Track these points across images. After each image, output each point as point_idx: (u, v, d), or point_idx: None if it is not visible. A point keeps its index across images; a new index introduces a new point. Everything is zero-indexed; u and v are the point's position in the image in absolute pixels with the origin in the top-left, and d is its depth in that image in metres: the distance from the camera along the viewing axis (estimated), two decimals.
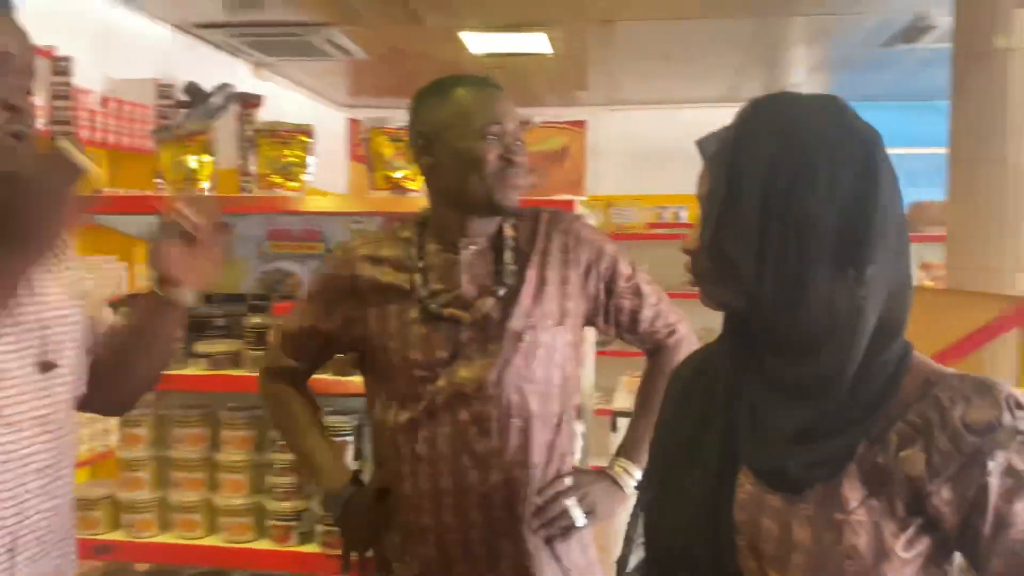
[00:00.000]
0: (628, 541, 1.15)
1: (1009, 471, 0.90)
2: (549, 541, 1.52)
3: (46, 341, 1.24)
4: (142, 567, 2.13)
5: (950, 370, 0.97)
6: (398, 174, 1.89)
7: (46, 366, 1.24)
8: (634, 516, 1.16)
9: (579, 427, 1.95)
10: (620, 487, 1.58)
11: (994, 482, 0.90)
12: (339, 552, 1.90)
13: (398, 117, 1.76)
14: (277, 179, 1.95)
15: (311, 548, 1.98)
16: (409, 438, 1.49)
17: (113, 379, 1.38)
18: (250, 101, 6.31)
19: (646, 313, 1.60)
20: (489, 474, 1.48)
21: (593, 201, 5.43)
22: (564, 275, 1.55)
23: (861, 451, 0.93)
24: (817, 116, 0.95)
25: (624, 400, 2.45)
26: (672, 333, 1.63)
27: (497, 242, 1.55)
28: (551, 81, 7.84)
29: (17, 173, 1.05)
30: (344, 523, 1.58)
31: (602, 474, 1.60)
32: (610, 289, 1.58)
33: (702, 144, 1.01)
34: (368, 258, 1.56)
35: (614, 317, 1.60)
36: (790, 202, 0.91)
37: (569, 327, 1.56)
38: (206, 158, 2.00)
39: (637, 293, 1.60)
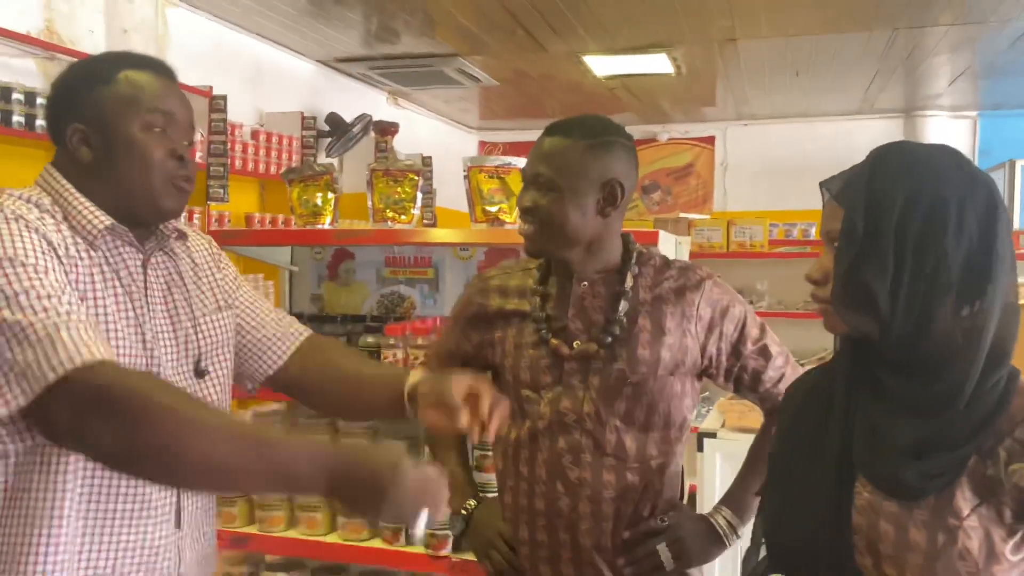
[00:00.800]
0: (754, 541, 1.28)
1: None
2: None
3: (200, 348, 1.40)
4: (273, 558, 2.39)
5: None
6: (494, 208, 2.08)
7: (200, 372, 1.40)
8: (758, 519, 1.28)
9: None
10: (720, 537, 1.59)
11: None
12: (443, 554, 2.12)
13: (494, 156, 1.94)
14: (390, 213, 2.17)
15: (417, 549, 2.15)
16: (515, 455, 1.61)
17: (311, 394, 1.56)
18: (387, 128, 6.72)
19: (770, 374, 1.61)
20: (578, 503, 1.54)
21: (715, 218, 5.43)
22: (684, 328, 1.57)
23: (972, 464, 1.04)
24: (943, 162, 1.08)
25: (714, 421, 2.51)
26: None
27: (615, 284, 1.60)
28: (678, 98, 7.87)
29: (404, 471, 1.10)
30: (469, 538, 1.72)
31: (703, 520, 1.61)
32: (737, 351, 1.60)
33: (827, 184, 1.14)
34: (498, 288, 1.68)
35: (736, 375, 1.62)
36: (924, 240, 1.03)
37: (680, 377, 1.59)
38: (330, 195, 2.25)
39: (764, 354, 1.60)
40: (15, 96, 3.55)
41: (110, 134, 1.29)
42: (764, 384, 1.62)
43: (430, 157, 5.98)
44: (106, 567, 1.23)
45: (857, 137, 7.42)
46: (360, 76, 6.79)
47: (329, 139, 6.12)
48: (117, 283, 1.30)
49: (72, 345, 1.10)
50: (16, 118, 3.53)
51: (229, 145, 4.94)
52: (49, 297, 1.14)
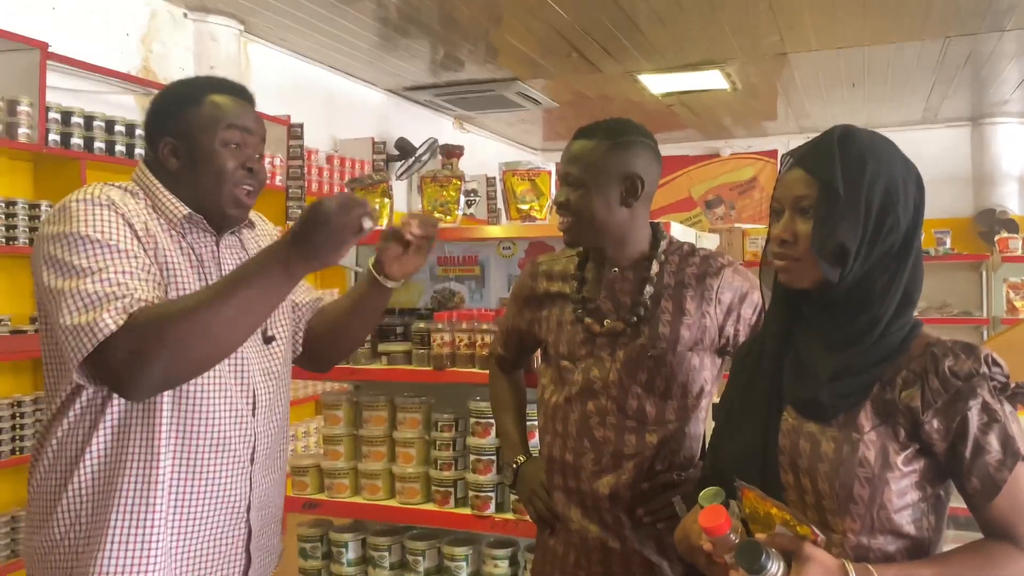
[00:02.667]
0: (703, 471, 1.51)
1: (984, 408, 1.20)
2: (655, 526, 1.72)
3: (268, 322, 1.61)
4: (340, 521, 2.67)
5: (948, 339, 1.28)
6: (525, 206, 2.34)
7: (268, 339, 1.63)
8: (704, 468, 1.51)
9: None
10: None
11: (973, 416, 1.20)
12: (487, 514, 2.37)
13: (526, 161, 2.21)
14: (437, 214, 2.46)
15: (465, 510, 2.40)
16: (553, 416, 1.83)
17: (325, 344, 1.79)
18: (452, 151, 7.08)
19: None
20: (601, 458, 1.75)
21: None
22: (704, 310, 1.74)
23: (875, 391, 1.26)
24: (889, 146, 1.32)
25: None
26: None
27: (643, 270, 1.78)
28: (737, 114, 8.00)
29: (323, 201, 1.34)
30: (517, 488, 1.96)
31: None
32: (755, 331, 1.73)
33: (794, 155, 1.34)
34: (545, 273, 1.90)
35: None
36: (884, 208, 1.26)
37: (699, 353, 1.75)
38: (386, 201, 2.55)
39: None
40: (117, 128, 4.00)
41: (194, 148, 1.53)
42: None
43: (494, 178, 6.29)
44: (192, 494, 1.49)
45: (923, 147, 7.37)
46: (427, 103, 7.16)
47: (398, 163, 6.49)
48: (193, 259, 1.53)
49: (119, 308, 1.31)
50: (119, 147, 3.98)
51: (306, 169, 5.35)
52: (122, 273, 1.36)
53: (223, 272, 1.57)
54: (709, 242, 2.57)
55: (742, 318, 1.77)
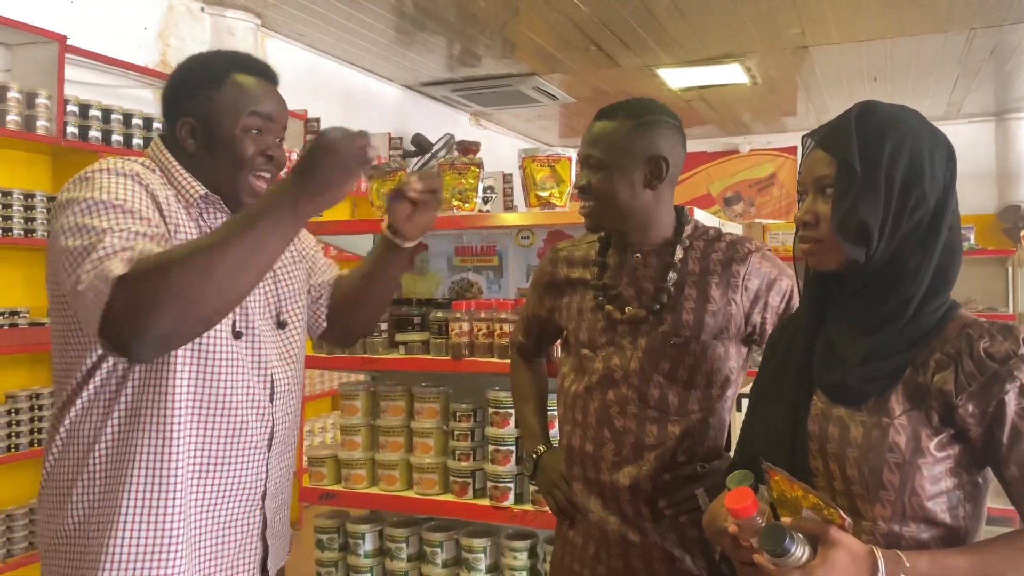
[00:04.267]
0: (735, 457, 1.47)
1: (1023, 392, 1.15)
2: (677, 518, 1.68)
3: (280, 299, 1.58)
4: (357, 512, 2.65)
5: (986, 320, 1.23)
6: (545, 193, 2.30)
7: (281, 323, 1.58)
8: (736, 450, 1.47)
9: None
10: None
11: (1011, 400, 1.15)
12: (505, 505, 2.33)
13: (546, 148, 2.17)
14: (456, 202, 2.43)
15: (483, 502, 2.37)
16: (572, 405, 1.78)
17: (347, 315, 1.76)
18: (468, 147, 7.05)
19: None
20: (622, 448, 1.70)
21: (789, 225, 5.49)
22: (729, 297, 1.68)
23: (907, 375, 1.21)
24: (913, 119, 1.26)
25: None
26: None
27: (666, 256, 1.72)
28: (757, 109, 7.93)
29: (326, 131, 1.30)
30: (536, 479, 1.91)
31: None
32: (783, 320, 1.66)
33: (813, 136, 1.30)
34: (566, 259, 1.85)
35: None
36: (907, 184, 1.21)
37: (723, 341, 1.69)
38: None
39: None
40: (135, 121, 4.00)
41: (214, 131, 1.46)
42: None
43: (511, 174, 6.26)
44: (209, 482, 1.46)
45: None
46: (443, 99, 7.15)
47: (415, 158, 6.47)
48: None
49: (126, 257, 1.24)
50: (136, 140, 3.98)
51: None
52: (135, 234, 1.30)
53: None
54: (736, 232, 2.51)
55: (769, 306, 1.72)
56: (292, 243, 1.69)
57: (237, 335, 1.48)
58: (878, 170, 1.21)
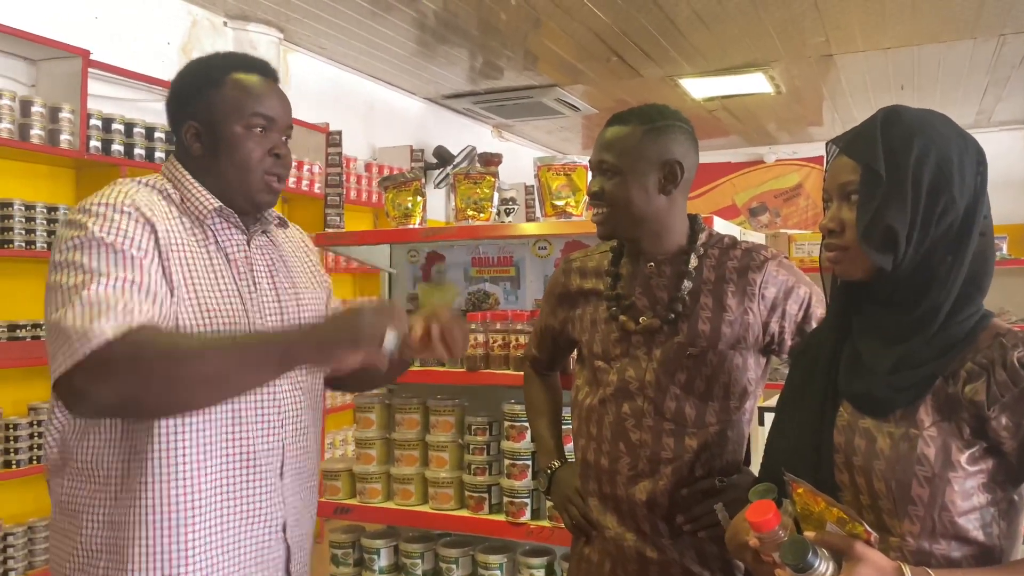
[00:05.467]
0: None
1: None
2: (696, 534, 1.64)
3: (301, 321, 1.54)
4: (372, 527, 2.61)
5: (1021, 331, 1.18)
6: (561, 202, 2.27)
7: None
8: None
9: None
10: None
11: None
12: (522, 521, 2.29)
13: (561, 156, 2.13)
14: (470, 212, 2.40)
15: (499, 517, 2.32)
16: (587, 418, 1.74)
17: (330, 382, 1.71)
18: (490, 159, 7.05)
19: None
20: (637, 462, 1.66)
21: (815, 235, 5.40)
22: (746, 306, 1.64)
23: (937, 385, 1.16)
24: (941, 122, 1.22)
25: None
26: None
27: (681, 264, 1.68)
28: (782, 119, 7.85)
29: (363, 308, 1.31)
30: (551, 495, 1.86)
31: None
32: (801, 330, 1.66)
33: (837, 142, 1.27)
34: (579, 269, 1.81)
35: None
36: (935, 189, 1.17)
37: (741, 352, 1.65)
38: (418, 199, 2.50)
39: None
40: (157, 135, 4.02)
41: (217, 133, 1.44)
42: None
43: (532, 186, 6.25)
44: (225, 512, 1.42)
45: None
46: (465, 111, 7.15)
47: (436, 171, 6.48)
48: (223, 258, 1.45)
49: (104, 325, 1.23)
50: (158, 154, 4.01)
51: (344, 177, 5.36)
52: (129, 283, 1.28)
53: (254, 273, 1.51)
54: (754, 238, 2.46)
55: (787, 314, 1.67)
56: (312, 269, 1.69)
57: None
58: (904, 175, 1.17)
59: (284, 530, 1.51)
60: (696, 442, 1.64)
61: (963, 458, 1.14)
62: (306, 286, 1.62)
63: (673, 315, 1.65)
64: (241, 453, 1.43)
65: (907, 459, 1.15)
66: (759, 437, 2.49)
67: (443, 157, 6.45)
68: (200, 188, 1.46)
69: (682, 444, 1.64)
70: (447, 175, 6.19)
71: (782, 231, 5.79)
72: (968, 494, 1.14)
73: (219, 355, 1.27)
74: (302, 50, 5.46)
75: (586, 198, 2.29)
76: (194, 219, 1.45)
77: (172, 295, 1.35)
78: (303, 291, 1.60)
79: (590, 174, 2.06)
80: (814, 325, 1.67)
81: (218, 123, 1.45)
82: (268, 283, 1.53)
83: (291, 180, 4.88)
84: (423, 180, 2.51)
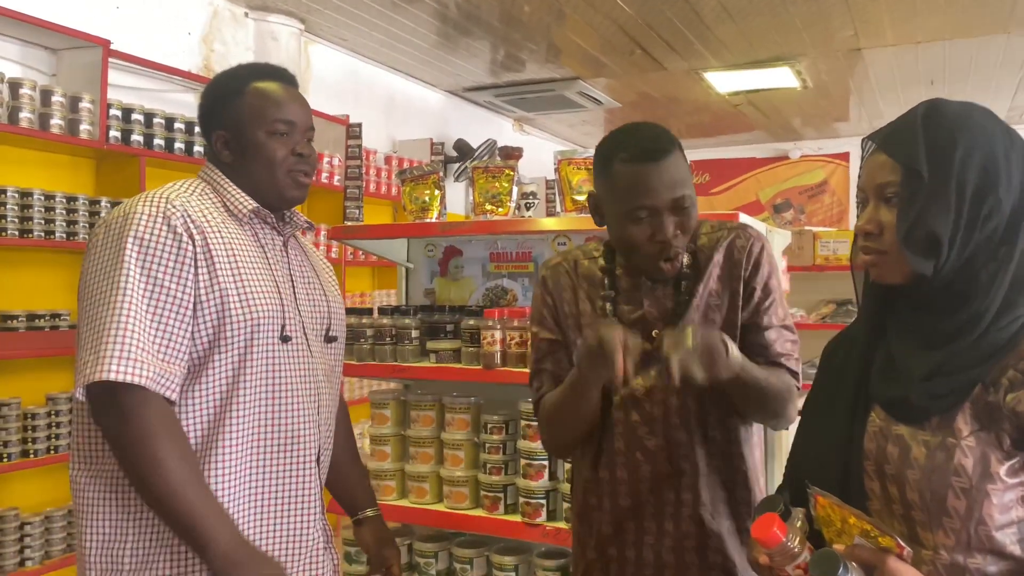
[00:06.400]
0: (785, 478, 1.36)
1: None
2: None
3: (331, 317, 1.69)
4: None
5: None
6: (581, 197, 2.22)
7: (330, 338, 1.68)
8: (787, 467, 1.37)
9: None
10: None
11: None
12: (538, 522, 2.24)
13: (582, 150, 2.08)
14: (488, 206, 2.35)
15: (515, 517, 2.29)
16: (595, 433, 1.63)
17: None
18: (511, 153, 7.00)
19: (776, 350, 1.60)
20: (657, 466, 1.58)
21: (841, 233, 5.32)
22: (733, 288, 1.58)
23: (976, 392, 1.10)
24: (986, 118, 1.16)
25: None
26: (792, 374, 1.62)
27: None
28: (808, 114, 7.74)
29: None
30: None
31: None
32: (756, 323, 1.59)
33: (875, 138, 1.20)
34: (569, 287, 1.65)
35: (747, 344, 1.59)
36: (981, 190, 1.11)
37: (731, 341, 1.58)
38: (436, 192, 2.46)
39: (779, 333, 1.60)
40: (176, 125, 4.01)
41: (244, 139, 1.57)
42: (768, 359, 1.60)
43: (554, 180, 6.19)
44: (261, 495, 1.50)
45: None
46: (486, 104, 7.10)
47: (457, 164, 6.43)
48: (263, 256, 1.56)
49: (121, 358, 1.34)
50: (177, 144, 3.99)
51: (364, 170, 5.32)
52: (148, 329, 1.39)
53: (291, 273, 1.62)
54: (781, 239, 2.40)
55: (757, 309, 1.61)
56: (334, 279, 1.82)
57: (285, 339, 1.53)
58: (948, 176, 1.10)
59: (323, 512, 1.62)
60: (711, 433, 1.60)
61: (1002, 470, 1.08)
62: (331, 286, 1.76)
63: (678, 319, 1.58)
64: (285, 438, 1.52)
65: (943, 469, 1.09)
66: (782, 440, 2.43)
67: (463, 150, 6.40)
68: (236, 190, 1.58)
69: (697, 438, 1.58)
70: (466, 168, 6.15)
71: (807, 228, 5.70)
72: (1007, 507, 1.08)
73: (173, 492, 1.35)
74: (323, 41, 5.43)
75: None
76: (235, 218, 1.56)
77: (206, 302, 1.45)
78: (330, 290, 1.74)
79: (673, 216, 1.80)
80: (770, 320, 1.61)
81: (243, 130, 1.56)
82: (303, 281, 1.65)
83: None
84: (441, 174, 2.46)
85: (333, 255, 5.02)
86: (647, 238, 1.49)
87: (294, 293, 1.60)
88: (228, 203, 1.56)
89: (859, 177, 1.22)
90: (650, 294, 1.60)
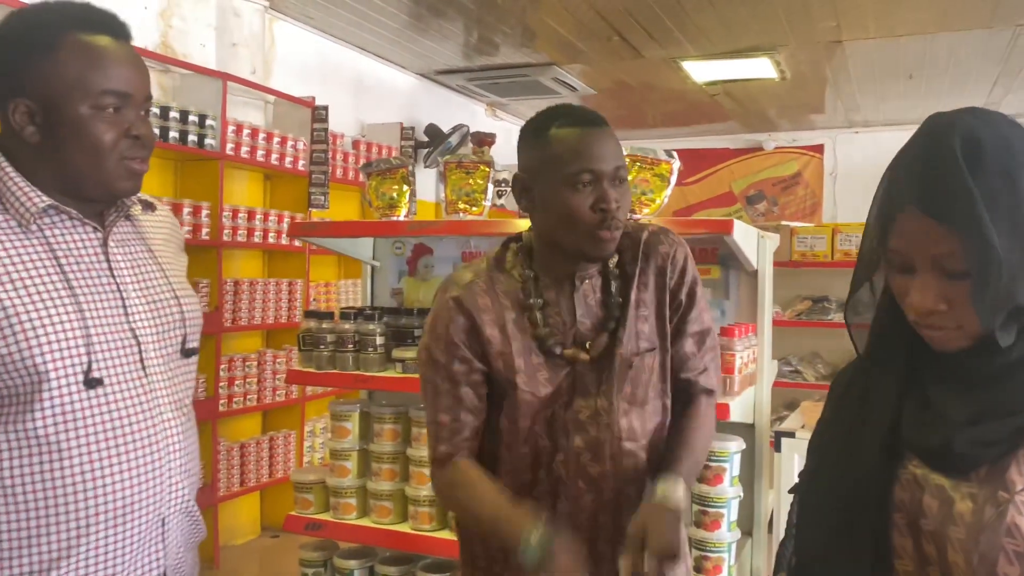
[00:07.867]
0: (790, 528, 1.21)
1: None
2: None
3: (186, 328, 1.34)
4: (346, 545, 2.41)
5: None
6: None
7: (188, 351, 1.34)
8: (793, 506, 1.21)
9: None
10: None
11: None
12: None
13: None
14: (462, 205, 2.18)
15: None
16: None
17: None
18: (484, 139, 6.80)
19: (695, 364, 1.51)
20: (603, 495, 1.44)
21: (818, 229, 5.22)
22: (660, 298, 1.48)
23: None
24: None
25: (794, 422, 2.41)
26: (709, 393, 1.54)
27: (604, 268, 1.48)
28: (784, 105, 7.64)
29: None
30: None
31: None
32: (680, 330, 1.50)
33: (916, 202, 0.97)
34: (486, 294, 1.46)
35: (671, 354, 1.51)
36: None
37: (662, 350, 1.49)
38: (404, 188, 2.28)
39: (701, 343, 1.52)
40: None
41: (55, 114, 1.17)
42: (686, 373, 1.52)
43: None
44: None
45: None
46: (459, 88, 6.90)
47: (427, 149, 6.23)
48: (56, 269, 1.18)
49: None
50: None
51: (330, 154, 5.10)
52: None
53: (114, 274, 1.25)
54: (772, 242, 2.26)
55: (682, 316, 1.52)
56: (185, 279, 1.44)
57: (91, 383, 1.17)
58: (1009, 226, 0.92)
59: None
60: (657, 455, 1.49)
61: None
62: (182, 286, 1.38)
63: (614, 324, 1.46)
64: (109, 511, 1.19)
65: (994, 529, 0.93)
66: (776, 462, 2.31)
67: (435, 135, 6.20)
68: (21, 184, 1.18)
69: (644, 461, 1.47)
70: (437, 158, 5.95)
71: (784, 223, 5.59)
72: None
73: None
74: (288, 19, 5.19)
75: None
76: (15, 221, 1.17)
77: None
78: (181, 292, 1.36)
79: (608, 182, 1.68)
80: (694, 329, 1.52)
81: (57, 102, 1.16)
82: (136, 287, 1.27)
83: (274, 156, 4.63)
84: (411, 167, 2.28)
85: (296, 243, 4.78)
86: (588, 207, 1.37)
87: (124, 306, 1.23)
88: (6, 201, 1.17)
89: (893, 238, 1.00)
90: (582, 304, 1.46)
